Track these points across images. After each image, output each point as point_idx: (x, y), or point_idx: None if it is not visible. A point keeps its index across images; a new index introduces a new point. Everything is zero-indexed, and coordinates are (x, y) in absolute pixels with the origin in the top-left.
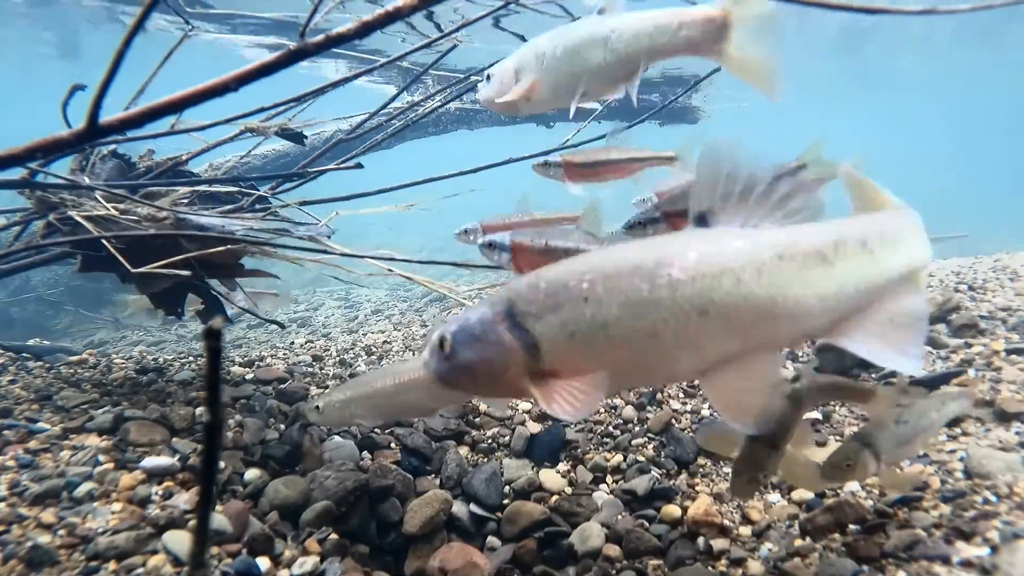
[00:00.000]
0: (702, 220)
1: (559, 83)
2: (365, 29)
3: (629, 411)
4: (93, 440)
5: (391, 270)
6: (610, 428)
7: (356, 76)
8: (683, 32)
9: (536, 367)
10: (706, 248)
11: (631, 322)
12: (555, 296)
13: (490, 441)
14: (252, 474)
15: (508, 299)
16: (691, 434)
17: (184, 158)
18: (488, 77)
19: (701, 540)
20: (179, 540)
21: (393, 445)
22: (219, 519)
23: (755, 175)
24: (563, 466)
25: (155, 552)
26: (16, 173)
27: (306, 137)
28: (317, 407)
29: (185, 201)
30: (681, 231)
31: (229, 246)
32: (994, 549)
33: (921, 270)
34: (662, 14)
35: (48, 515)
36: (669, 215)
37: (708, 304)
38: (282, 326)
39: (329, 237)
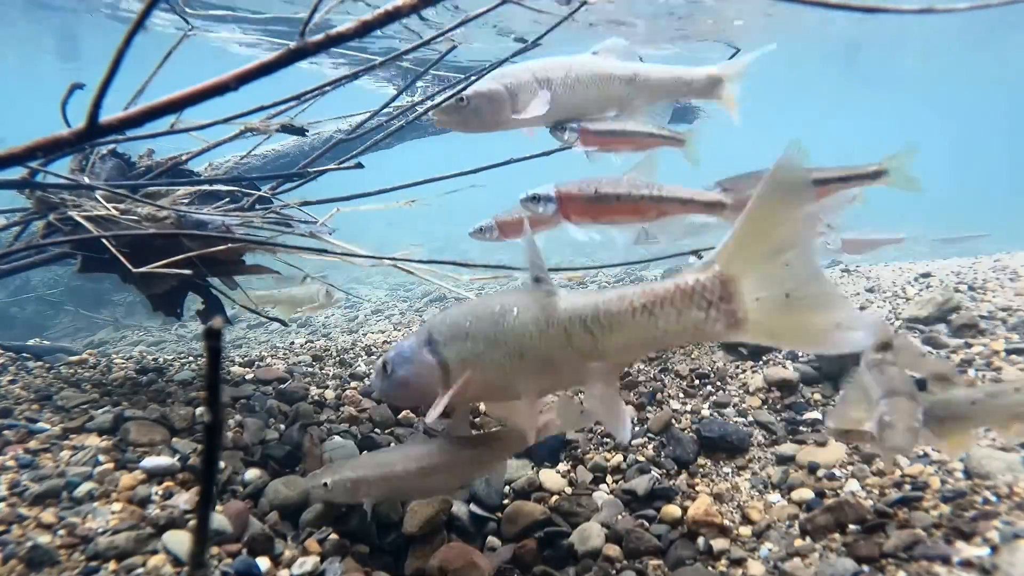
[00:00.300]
0: (537, 281)
1: (570, 105)
2: (365, 28)
3: (629, 411)
4: (93, 440)
5: (396, 265)
6: None
7: (356, 75)
8: (692, 84)
9: (447, 380)
10: (524, 307)
11: (490, 354)
12: (453, 331)
13: None
14: (252, 474)
15: (428, 331)
16: (691, 434)
17: (184, 158)
18: (466, 99)
19: (701, 540)
20: (179, 540)
21: (393, 445)
22: (219, 519)
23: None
24: (563, 466)
25: (155, 552)
26: (16, 173)
27: (307, 131)
28: (325, 484)
29: (186, 201)
30: (522, 289)
31: (231, 244)
32: (994, 549)
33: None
34: (681, 71)
35: (48, 515)
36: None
37: (523, 349)
38: (284, 323)
39: (330, 235)
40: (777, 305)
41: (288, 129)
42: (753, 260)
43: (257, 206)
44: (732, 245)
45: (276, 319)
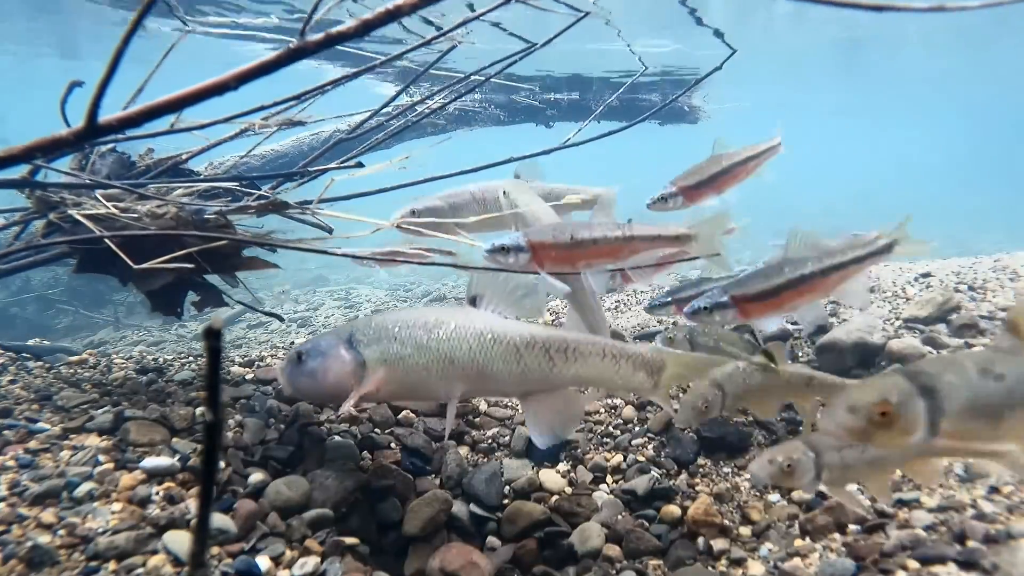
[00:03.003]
0: (473, 301)
1: None
2: (365, 28)
3: (629, 411)
4: (93, 440)
5: (402, 226)
6: (610, 428)
7: (356, 74)
8: None
9: (361, 376)
10: (461, 323)
11: (416, 358)
12: (379, 333)
13: (490, 441)
14: (253, 475)
15: (350, 331)
16: (691, 434)
17: (184, 157)
18: None
19: (701, 540)
20: (179, 540)
21: (393, 445)
22: (221, 519)
23: (510, 283)
24: (563, 466)
25: (155, 552)
26: (16, 172)
27: (305, 122)
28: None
29: (185, 200)
30: (456, 308)
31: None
32: (993, 549)
33: (588, 380)
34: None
35: (48, 515)
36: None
37: (454, 357)
38: (280, 319)
39: (330, 232)
40: None
41: (288, 124)
42: None
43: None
44: None
45: (273, 315)
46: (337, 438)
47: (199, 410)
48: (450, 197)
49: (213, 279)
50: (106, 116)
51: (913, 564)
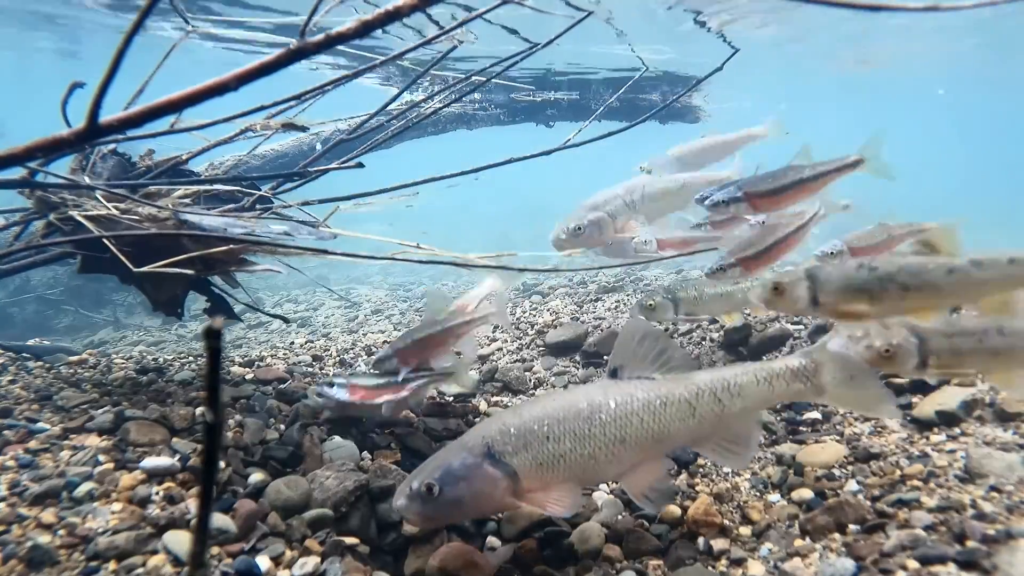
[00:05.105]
0: (615, 373)
1: None
2: (365, 28)
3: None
4: (93, 440)
5: (395, 256)
6: None
7: (356, 74)
8: None
9: (516, 488)
10: (621, 399)
11: (578, 450)
12: (524, 438)
13: None
14: (253, 475)
15: (485, 444)
16: None
17: (184, 158)
18: None
19: (701, 540)
20: (179, 540)
21: (393, 445)
22: (222, 518)
23: (649, 346)
24: None
25: (155, 552)
26: (16, 172)
27: (308, 128)
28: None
29: (187, 201)
30: (601, 383)
31: (231, 246)
32: (993, 549)
33: (753, 408)
34: None
35: (48, 515)
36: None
37: (624, 436)
38: (286, 320)
39: (332, 238)
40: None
41: (290, 127)
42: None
43: (257, 206)
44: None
45: (279, 316)
46: (337, 438)
47: (199, 410)
48: (606, 205)
49: (217, 282)
50: (107, 116)
51: (913, 564)
